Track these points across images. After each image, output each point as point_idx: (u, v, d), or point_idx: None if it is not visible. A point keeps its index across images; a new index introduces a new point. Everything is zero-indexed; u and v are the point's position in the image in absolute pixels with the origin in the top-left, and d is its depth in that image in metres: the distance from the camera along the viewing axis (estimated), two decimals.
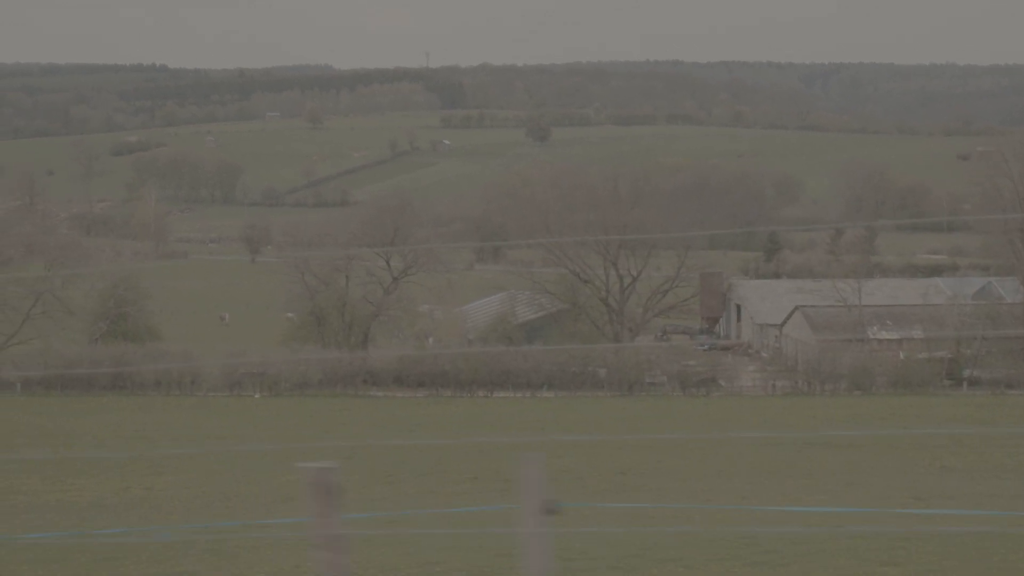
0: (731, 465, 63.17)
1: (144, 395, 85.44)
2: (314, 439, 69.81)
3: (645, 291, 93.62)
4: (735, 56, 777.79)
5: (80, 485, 57.30)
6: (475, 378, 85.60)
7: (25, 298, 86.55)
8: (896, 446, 69.13)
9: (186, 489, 56.57)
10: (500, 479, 60.66)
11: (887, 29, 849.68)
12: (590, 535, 32.13)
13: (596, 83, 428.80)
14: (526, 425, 75.82)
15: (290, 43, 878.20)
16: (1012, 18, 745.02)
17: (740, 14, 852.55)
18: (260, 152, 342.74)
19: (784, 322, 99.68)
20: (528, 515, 7.50)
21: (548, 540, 7.92)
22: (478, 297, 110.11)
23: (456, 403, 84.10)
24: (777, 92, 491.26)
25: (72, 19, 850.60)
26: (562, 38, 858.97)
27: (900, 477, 55.42)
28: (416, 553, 29.48)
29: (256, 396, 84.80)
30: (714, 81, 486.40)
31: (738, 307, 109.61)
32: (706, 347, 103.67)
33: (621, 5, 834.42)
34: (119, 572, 31.54)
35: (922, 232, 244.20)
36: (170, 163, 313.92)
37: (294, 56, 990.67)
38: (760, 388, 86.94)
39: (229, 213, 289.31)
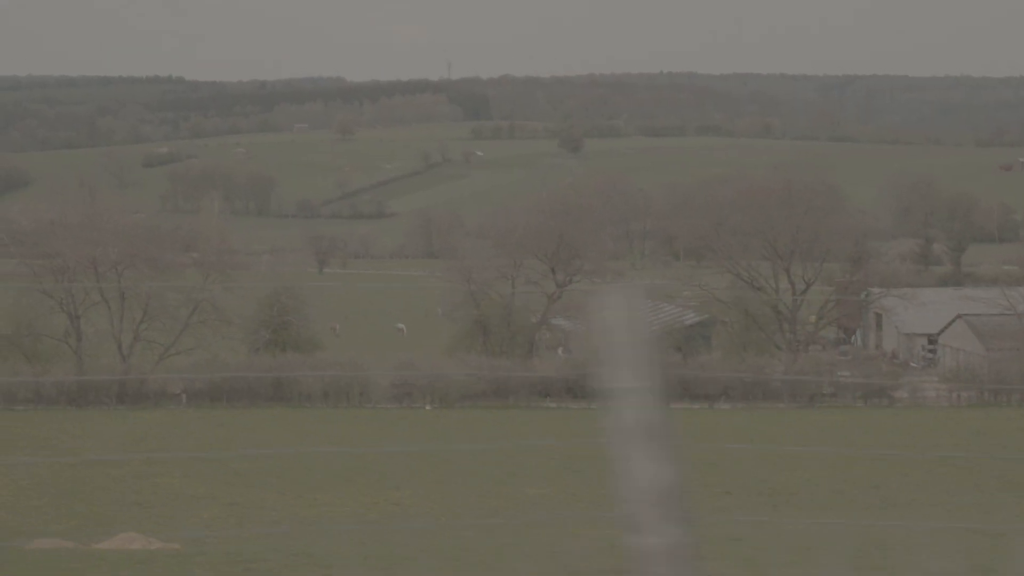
0: (983, 479, 60.78)
1: (312, 407, 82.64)
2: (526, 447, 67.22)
3: (813, 300, 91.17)
4: (750, 68, 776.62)
5: (325, 500, 54.64)
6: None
7: (182, 307, 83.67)
8: None
9: (438, 504, 53.99)
10: (754, 492, 58.16)
11: (900, 41, 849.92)
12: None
13: (620, 95, 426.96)
14: (725, 437, 73.13)
15: (302, 56, 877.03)
16: None
17: (754, 27, 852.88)
18: (290, 164, 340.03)
19: (942, 331, 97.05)
20: None
21: None
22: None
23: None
24: (797, 104, 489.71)
25: (87, 32, 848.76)
26: (577, 51, 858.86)
27: None
28: None
29: (427, 408, 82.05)
30: (735, 93, 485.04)
31: (878, 316, 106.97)
32: (848, 356, 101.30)
33: (636, 19, 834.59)
34: None
35: (975, 244, 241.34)
36: (203, 175, 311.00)
37: (306, 68, 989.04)
38: (944, 399, 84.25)
39: (265, 225, 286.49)
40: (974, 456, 65.52)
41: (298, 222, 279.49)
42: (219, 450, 67.84)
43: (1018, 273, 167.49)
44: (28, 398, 79.96)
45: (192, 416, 78.67)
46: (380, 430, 75.50)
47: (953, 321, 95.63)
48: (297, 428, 75.35)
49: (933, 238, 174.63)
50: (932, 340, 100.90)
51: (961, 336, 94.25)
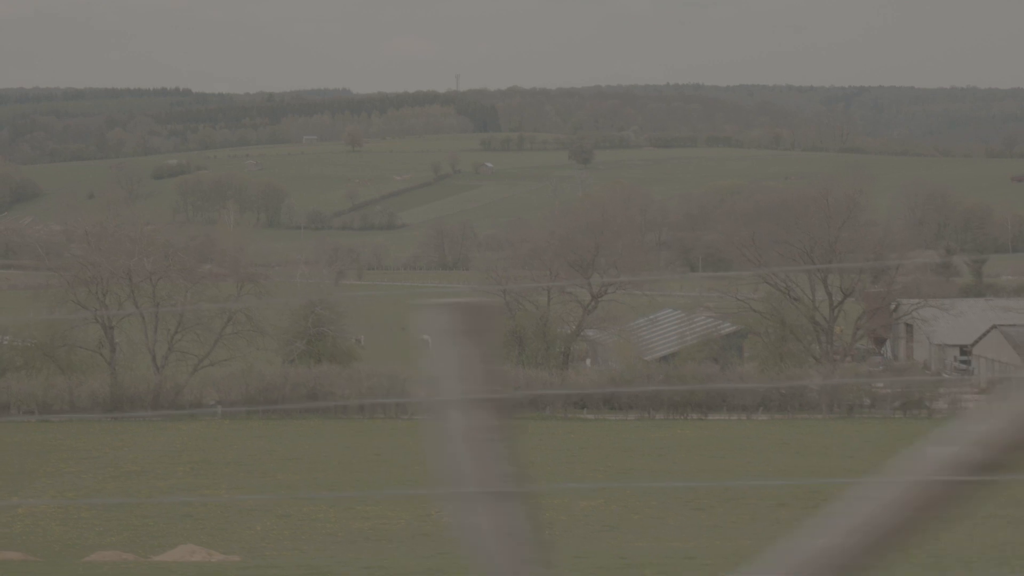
0: None
1: (349, 418, 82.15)
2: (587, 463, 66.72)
3: (848, 310, 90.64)
4: (755, 80, 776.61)
5: (376, 513, 54.09)
6: (689, 399, 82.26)
7: (216, 317, 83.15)
8: None
9: None
10: (809, 503, 57.42)
11: (906, 53, 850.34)
12: None
13: (629, 106, 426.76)
14: (769, 449, 72.46)
15: (307, 68, 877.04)
16: None
17: (758, 39, 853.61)
18: (300, 175, 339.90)
19: (976, 342, 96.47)
20: None
21: None
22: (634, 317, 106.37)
23: (679, 425, 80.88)
24: (804, 116, 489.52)
25: (92, 45, 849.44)
26: (582, 63, 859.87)
27: None
28: None
29: None
30: (742, 105, 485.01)
31: (908, 327, 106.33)
32: (881, 368, 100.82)
33: (641, 31, 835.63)
34: None
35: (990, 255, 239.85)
36: (215, 186, 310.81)
37: (311, 81, 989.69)
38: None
39: (276, 237, 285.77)
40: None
41: (309, 234, 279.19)
42: (264, 461, 67.29)
43: None
44: (63, 409, 79.47)
45: (229, 427, 78.16)
46: (421, 441, 74.73)
47: (988, 332, 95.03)
48: (337, 439, 74.75)
49: (954, 249, 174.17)
50: (965, 351, 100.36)
51: (996, 347, 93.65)
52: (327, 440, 74.70)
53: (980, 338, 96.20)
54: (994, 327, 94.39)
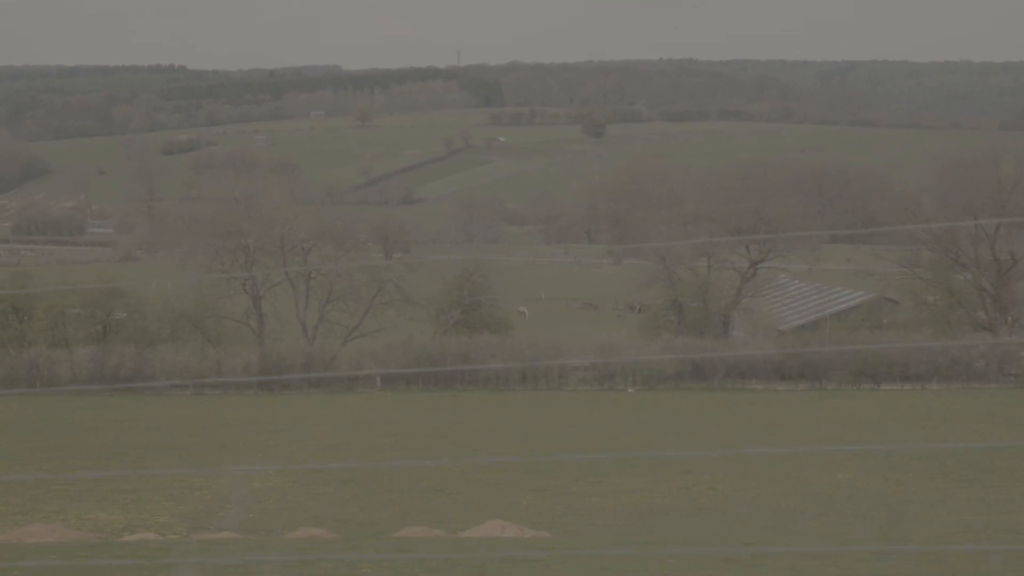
0: None
1: (509, 389, 78.96)
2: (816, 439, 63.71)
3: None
4: (747, 55, 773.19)
5: (629, 487, 50.93)
6: (863, 369, 79.34)
7: (363, 286, 79.87)
8: None
9: (753, 489, 50.40)
10: None
11: (898, 27, 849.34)
12: None
13: (635, 80, 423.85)
14: (984, 419, 69.50)
15: (296, 44, 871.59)
16: None
17: (751, 14, 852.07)
18: (311, 150, 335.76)
19: None
20: None
21: None
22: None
23: (853, 395, 78.02)
24: (803, 90, 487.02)
25: (81, 22, 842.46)
26: (577, 39, 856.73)
27: None
28: None
29: (629, 391, 78.42)
30: (740, 79, 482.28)
31: None
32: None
33: (631, 6, 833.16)
34: None
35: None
36: (228, 162, 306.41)
37: (301, 57, 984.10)
38: None
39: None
40: None
41: (327, 209, 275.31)
42: (459, 433, 64.11)
43: None
44: (214, 383, 76.11)
45: (399, 400, 74.87)
46: (601, 412, 71.78)
47: None
48: (513, 411, 71.58)
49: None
50: None
51: None
52: (504, 411, 71.58)
53: None
54: None
